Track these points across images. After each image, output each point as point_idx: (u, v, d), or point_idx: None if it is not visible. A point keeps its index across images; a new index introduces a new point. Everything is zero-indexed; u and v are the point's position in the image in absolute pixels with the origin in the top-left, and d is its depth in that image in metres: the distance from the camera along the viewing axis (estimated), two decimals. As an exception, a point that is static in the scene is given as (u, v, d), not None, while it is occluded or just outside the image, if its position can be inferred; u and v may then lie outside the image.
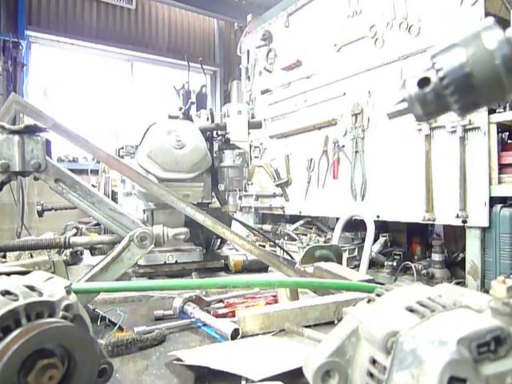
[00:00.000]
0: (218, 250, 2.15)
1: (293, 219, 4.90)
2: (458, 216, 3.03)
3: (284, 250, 2.62)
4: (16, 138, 1.23)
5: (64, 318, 0.60)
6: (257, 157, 5.28)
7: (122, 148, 2.03)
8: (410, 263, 3.50)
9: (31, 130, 1.26)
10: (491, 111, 2.85)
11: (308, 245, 3.73)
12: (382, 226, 3.82)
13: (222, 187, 1.95)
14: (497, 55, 0.36)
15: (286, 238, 4.52)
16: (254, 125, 2.28)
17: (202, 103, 2.55)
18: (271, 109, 5.02)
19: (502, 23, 0.38)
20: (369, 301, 0.52)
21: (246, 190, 5.27)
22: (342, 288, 1.17)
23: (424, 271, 3.38)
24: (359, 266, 3.20)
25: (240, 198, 2.10)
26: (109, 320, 1.15)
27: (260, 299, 1.28)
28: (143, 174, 1.57)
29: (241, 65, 5.84)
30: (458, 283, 3.08)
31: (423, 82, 0.39)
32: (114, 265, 1.16)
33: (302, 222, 4.73)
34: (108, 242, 1.45)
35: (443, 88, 0.37)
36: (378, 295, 0.51)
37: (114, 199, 2.12)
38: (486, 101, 0.39)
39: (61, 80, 6.98)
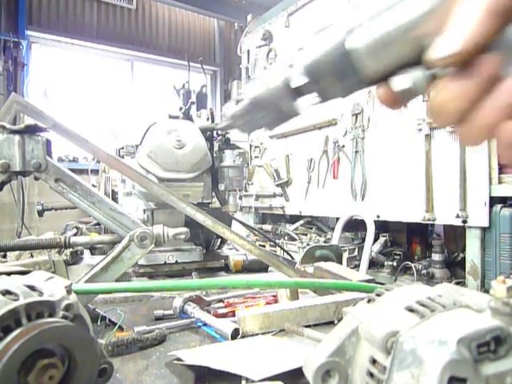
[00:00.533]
0: (218, 250, 2.15)
1: (293, 219, 4.90)
2: (458, 216, 3.03)
3: (284, 250, 2.62)
4: (16, 137, 1.23)
5: (64, 317, 0.60)
6: (257, 157, 5.28)
7: (122, 148, 2.03)
8: (410, 263, 3.50)
9: (32, 130, 1.26)
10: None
11: (308, 245, 3.73)
12: (382, 226, 3.82)
13: (222, 187, 1.95)
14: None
15: (286, 237, 4.52)
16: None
17: (202, 103, 2.55)
18: (271, 109, 5.01)
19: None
20: (369, 301, 0.52)
21: (246, 190, 5.27)
22: (343, 288, 1.17)
23: (424, 271, 3.39)
24: (359, 265, 3.20)
25: (240, 197, 2.10)
26: (109, 320, 1.15)
27: (260, 299, 1.28)
28: (143, 173, 1.57)
29: (241, 65, 5.84)
30: (458, 283, 3.08)
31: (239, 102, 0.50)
32: (114, 265, 1.16)
33: (302, 221, 4.73)
34: (108, 241, 1.45)
35: (248, 108, 0.48)
36: (378, 295, 0.51)
37: (115, 199, 2.12)
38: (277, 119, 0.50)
39: (61, 80, 6.99)
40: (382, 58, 0.40)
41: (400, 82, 0.41)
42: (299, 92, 0.45)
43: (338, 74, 0.42)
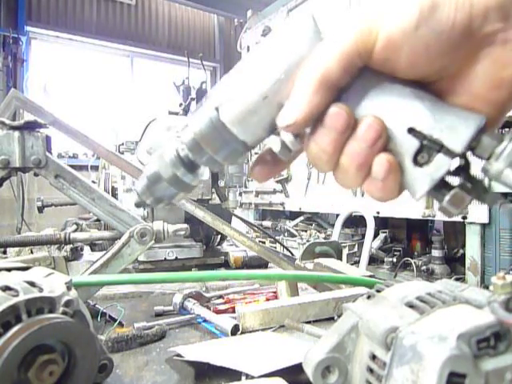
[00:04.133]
0: (218, 247, 2.15)
1: (293, 215, 4.90)
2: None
3: (284, 247, 2.62)
4: (16, 133, 1.23)
5: (64, 313, 0.60)
6: (257, 153, 5.27)
7: (122, 144, 2.03)
8: (409, 259, 3.51)
9: (31, 126, 1.25)
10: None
11: (308, 241, 3.73)
12: (381, 223, 3.83)
13: (222, 183, 1.95)
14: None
15: (286, 234, 4.53)
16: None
17: (202, 99, 2.55)
18: (271, 105, 5.01)
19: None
20: (368, 297, 0.52)
21: (246, 187, 5.28)
22: (341, 282, 1.17)
23: (424, 267, 3.39)
24: (359, 262, 3.20)
25: (240, 194, 2.10)
26: (109, 316, 1.15)
27: (260, 295, 1.28)
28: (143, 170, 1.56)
29: (241, 61, 5.82)
30: (457, 279, 3.08)
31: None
32: (115, 261, 1.16)
33: (302, 218, 4.73)
34: (108, 238, 1.45)
35: (149, 184, 0.52)
36: (378, 291, 0.52)
37: (114, 195, 2.12)
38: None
39: (61, 76, 6.97)
40: (251, 124, 0.45)
41: (273, 144, 0.46)
42: (191, 163, 0.49)
43: (218, 144, 0.46)
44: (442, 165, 0.39)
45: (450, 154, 0.39)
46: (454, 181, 0.41)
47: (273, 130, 0.46)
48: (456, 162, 0.40)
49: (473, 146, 0.39)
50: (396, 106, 0.40)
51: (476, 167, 0.42)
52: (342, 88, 0.42)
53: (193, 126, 0.47)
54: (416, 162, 0.40)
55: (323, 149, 0.43)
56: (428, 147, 0.39)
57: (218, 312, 1.15)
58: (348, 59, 0.40)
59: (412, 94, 0.40)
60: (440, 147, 0.39)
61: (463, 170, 0.41)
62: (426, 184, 0.40)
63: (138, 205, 0.56)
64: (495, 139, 0.38)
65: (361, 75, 0.42)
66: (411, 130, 0.40)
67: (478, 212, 2.95)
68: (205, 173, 0.53)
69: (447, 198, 0.40)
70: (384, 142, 0.41)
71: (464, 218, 3.01)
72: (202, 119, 0.46)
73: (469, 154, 0.40)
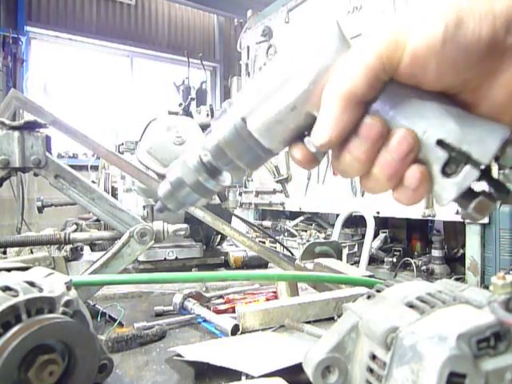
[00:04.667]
0: (218, 246, 2.15)
1: (293, 215, 4.90)
2: (457, 212, 3.03)
3: (284, 247, 2.62)
4: (16, 133, 1.23)
5: (64, 313, 0.60)
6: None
7: (122, 144, 2.03)
8: (409, 259, 3.51)
9: (31, 126, 1.25)
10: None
11: (308, 241, 3.73)
12: (381, 223, 3.82)
13: (222, 183, 1.94)
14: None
15: (286, 234, 4.52)
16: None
17: (201, 99, 2.54)
18: (271, 105, 5.00)
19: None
20: (369, 297, 0.52)
21: (246, 187, 5.27)
22: (341, 282, 1.17)
23: (424, 267, 3.39)
24: (359, 262, 3.20)
25: (240, 194, 2.10)
26: (109, 316, 1.15)
27: (260, 295, 1.28)
28: (143, 170, 1.57)
29: (241, 61, 5.82)
30: (457, 279, 3.08)
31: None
32: (115, 261, 1.16)
33: (302, 218, 4.73)
34: (108, 237, 1.45)
35: (173, 189, 0.53)
36: (378, 291, 0.52)
37: (114, 195, 2.12)
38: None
39: (61, 76, 6.97)
40: (278, 134, 0.46)
41: (309, 145, 0.46)
42: (214, 169, 0.50)
43: (242, 150, 0.47)
44: (469, 175, 0.40)
45: (477, 165, 0.40)
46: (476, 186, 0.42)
47: (299, 137, 0.47)
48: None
49: (497, 155, 0.40)
50: (424, 119, 0.41)
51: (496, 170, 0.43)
52: (369, 101, 0.42)
53: (217, 133, 0.48)
54: (444, 172, 0.41)
55: (357, 157, 0.43)
56: (456, 159, 0.40)
57: (218, 312, 1.15)
58: (373, 74, 0.40)
59: (439, 106, 0.41)
60: (467, 159, 0.40)
61: (485, 174, 0.41)
62: (453, 193, 0.41)
63: (160, 210, 0.56)
64: None
65: (387, 87, 0.42)
66: (440, 142, 0.40)
67: (477, 212, 2.94)
68: (227, 179, 0.53)
69: (472, 205, 0.41)
70: (416, 153, 0.41)
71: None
72: (227, 127, 0.47)
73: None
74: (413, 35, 0.39)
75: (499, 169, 0.41)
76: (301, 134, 0.46)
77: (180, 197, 0.53)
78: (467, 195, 0.41)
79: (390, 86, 0.42)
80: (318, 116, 0.44)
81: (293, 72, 0.44)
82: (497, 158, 0.40)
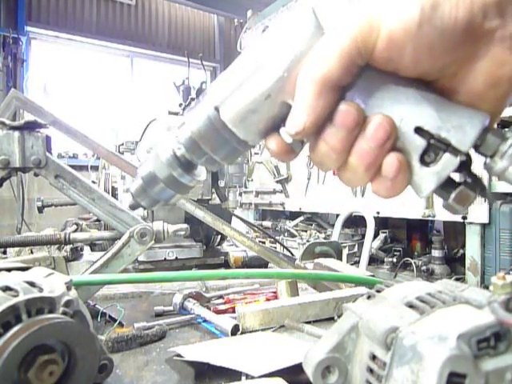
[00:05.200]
0: (218, 247, 2.15)
1: (293, 215, 4.90)
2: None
3: (284, 247, 2.62)
4: (16, 133, 1.23)
5: (64, 313, 0.60)
6: (257, 153, 5.27)
7: (122, 144, 2.03)
8: (409, 259, 3.51)
9: (31, 126, 1.25)
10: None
11: (308, 241, 3.74)
12: (381, 223, 3.82)
13: (222, 183, 1.95)
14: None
15: (286, 234, 4.53)
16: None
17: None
18: (271, 105, 5.00)
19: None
20: (369, 297, 0.52)
21: (246, 187, 5.27)
22: (341, 280, 1.17)
23: (424, 267, 3.39)
24: (359, 262, 3.20)
25: (240, 194, 2.10)
26: (109, 316, 1.15)
27: (260, 295, 1.28)
28: (143, 170, 1.56)
29: (241, 61, 5.81)
30: (457, 279, 3.08)
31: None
32: (115, 261, 1.16)
33: (302, 218, 4.73)
34: (108, 238, 1.45)
35: (145, 185, 0.51)
36: (378, 291, 0.52)
37: (115, 195, 2.12)
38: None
39: (61, 76, 6.97)
40: (253, 123, 0.44)
41: (285, 136, 0.45)
42: (189, 163, 0.48)
43: (218, 143, 0.45)
44: (448, 164, 0.39)
45: (456, 152, 0.39)
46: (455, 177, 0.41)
47: (275, 127, 0.45)
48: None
49: (477, 143, 0.39)
50: (402, 105, 0.40)
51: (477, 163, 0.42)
52: (344, 87, 0.41)
53: (190, 125, 0.46)
54: (423, 161, 0.40)
55: (332, 147, 0.42)
56: (435, 146, 0.39)
57: (218, 312, 1.15)
58: (348, 58, 0.40)
59: (417, 92, 0.40)
60: (446, 146, 0.39)
61: (465, 166, 0.40)
62: (432, 183, 0.40)
63: (132, 207, 0.55)
64: (499, 137, 0.38)
65: (363, 74, 0.41)
66: (418, 130, 0.39)
67: (477, 212, 2.95)
68: (202, 173, 0.52)
69: (453, 195, 0.40)
70: (393, 141, 0.40)
71: (464, 218, 3.01)
72: (200, 118, 0.45)
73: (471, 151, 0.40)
74: (388, 18, 0.39)
75: (483, 157, 0.40)
76: (276, 125, 0.45)
77: (153, 193, 0.51)
78: (448, 185, 0.40)
79: (366, 72, 0.41)
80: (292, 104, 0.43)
81: (267, 59, 0.43)
82: (476, 147, 0.39)
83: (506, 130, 0.39)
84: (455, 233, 3.56)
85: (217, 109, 0.44)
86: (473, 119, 0.39)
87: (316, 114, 0.41)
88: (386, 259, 3.74)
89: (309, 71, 0.41)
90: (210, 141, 0.45)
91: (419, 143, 0.40)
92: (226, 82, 0.45)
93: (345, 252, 3.56)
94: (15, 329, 0.54)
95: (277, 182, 4.88)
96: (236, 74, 0.45)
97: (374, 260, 3.80)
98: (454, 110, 0.39)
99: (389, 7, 0.39)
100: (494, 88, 0.40)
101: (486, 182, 2.92)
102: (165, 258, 1.78)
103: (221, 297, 1.27)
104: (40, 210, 2.28)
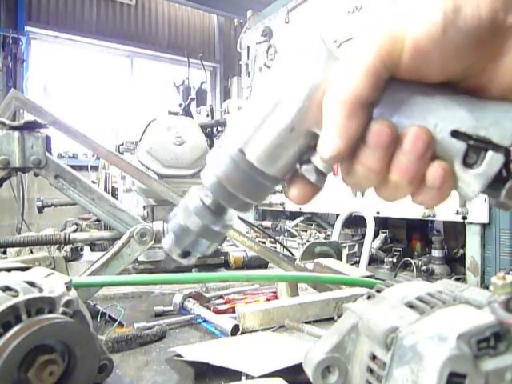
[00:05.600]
0: (218, 247, 2.15)
1: (293, 215, 4.90)
2: (457, 212, 3.03)
3: (284, 247, 2.62)
4: (16, 133, 1.23)
5: (64, 313, 0.60)
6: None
7: (122, 144, 2.03)
8: (409, 259, 3.50)
9: (31, 126, 1.26)
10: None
11: (308, 241, 3.73)
12: (381, 223, 3.82)
13: (222, 183, 1.94)
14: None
15: (286, 234, 4.52)
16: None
17: (201, 99, 2.55)
18: (271, 105, 5.00)
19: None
20: (369, 297, 0.52)
21: (246, 187, 5.26)
22: (341, 282, 1.17)
23: (424, 267, 3.39)
24: (359, 262, 3.20)
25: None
26: (109, 316, 1.15)
27: (260, 295, 1.28)
28: (143, 170, 1.57)
29: (241, 61, 5.82)
30: (457, 279, 3.08)
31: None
32: (115, 261, 1.16)
33: (302, 218, 4.73)
34: (108, 238, 1.45)
35: (177, 239, 0.50)
36: (378, 291, 0.52)
37: (114, 195, 2.12)
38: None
39: (61, 76, 6.97)
40: (280, 158, 0.44)
41: (307, 173, 0.44)
42: (218, 209, 0.48)
43: (248, 185, 0.45)
44: (494, 162, 0.38)
45: (499, 149, 0.38)
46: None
47: (302, 156, 0.44)
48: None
49: None
50: (433, 112, 0.39)
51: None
52: (372, 103, 0.41)
53: (215, 169, 0.45)
54: (466, 163, 0.39)
55: (370, 168, 0.41)
56: (475, 147, 0.38)
57: (218, 312, 1.15)
58: (375, 73, 0.39)
59: (445, 96, 0.39)
60: (487, 145, 0.38)
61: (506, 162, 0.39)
62: (479, 184, 0.39)
63: (166, 263, 0.53)
64: None
65: (388, 87, 0.40)
66: (455, 133, 0.39)
67: (477, 212, 2.94)
68: (234, 218, 0.50)
69: (504, 192, 0.39)
70: (433, 151, 0.39)
71: (464, 218, 3.01)
72: (224, 161, 0.44)
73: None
74: (411, 27, 0.38)
75: None
76: (303, 154, 0.44)
77: (187, 245, 0.50)
78: (494, 183, 0.39)
79: (391, 85, 0.40)
80: (321, 130, 0.42)
81: (284, 93, 0.42)
82: None
83: None
84: (455, 233, 3.56)
85: (241, 150, 0.44)
86: (509, 113, 0.38)
87: (349, 136, 0.40)
88: (385, 259, 3.73)
89: (335, 93, 0.40)
90: (236, 182, 0.45)
91: (459, 147, 0.39)
92: (245, 121, 0.45)
93: (345, 252, 3.56)
94: (15, 329, 0.54)
95: (277, 181, 4.87)
96: (256, 113, 0.44)
97: (374, 260, 3.79)
98: (486, 108, 0.39)
99: (410, 16, 0.39)
100: None
101: None
102: (165, 258, 1.77)
103: (221, 297, 1.27)
104: (40, 210, 2.28)
